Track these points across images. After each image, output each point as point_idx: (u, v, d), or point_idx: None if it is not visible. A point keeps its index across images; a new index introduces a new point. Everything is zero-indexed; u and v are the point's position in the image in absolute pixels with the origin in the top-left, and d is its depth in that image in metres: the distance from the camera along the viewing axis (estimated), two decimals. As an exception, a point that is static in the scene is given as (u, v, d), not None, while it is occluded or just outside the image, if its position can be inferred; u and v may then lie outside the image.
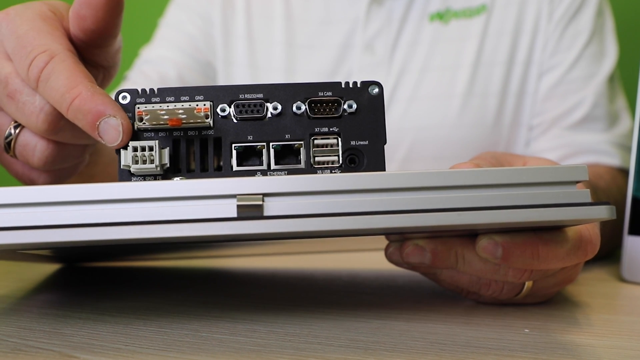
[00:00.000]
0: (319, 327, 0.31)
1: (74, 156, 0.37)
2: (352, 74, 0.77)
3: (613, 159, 0.71)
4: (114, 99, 0.31)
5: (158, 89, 0.31)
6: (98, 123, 0.30)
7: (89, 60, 0.37)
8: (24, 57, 0.32)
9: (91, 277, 0.48)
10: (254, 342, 0.28)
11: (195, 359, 0.26)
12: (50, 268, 0.52)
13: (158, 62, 0.79)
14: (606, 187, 0.63)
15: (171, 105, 0.31)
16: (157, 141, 0.30)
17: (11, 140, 0.35)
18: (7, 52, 0.34)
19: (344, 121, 0.31)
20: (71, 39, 0.35)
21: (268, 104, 0.31)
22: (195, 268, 0.54)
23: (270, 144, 0.31)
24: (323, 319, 0.32)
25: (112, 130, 0.30)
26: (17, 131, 0.35)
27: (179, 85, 0.78)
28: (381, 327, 0.31)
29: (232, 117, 0.31)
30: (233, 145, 0.31)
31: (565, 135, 0.73)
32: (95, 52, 0.36)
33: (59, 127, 0.34)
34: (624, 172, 0.71)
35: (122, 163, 0.30)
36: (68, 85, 0.31)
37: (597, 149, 0.71)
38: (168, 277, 0.49)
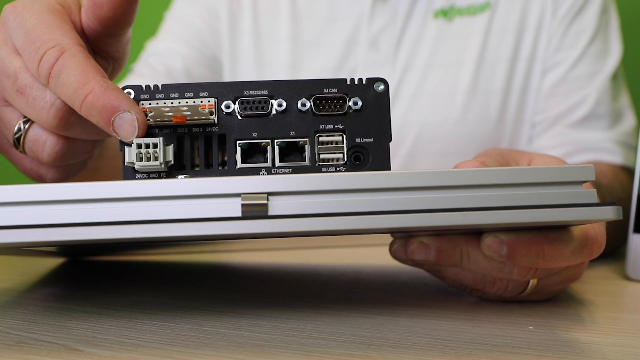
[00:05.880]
0: (323, 322, 0.31)
1: (83, 152, 0.37)
2: (356, 70, 0.77)
3: (615, 157, 0.70)
4: None
5: (162, 86, 0.31)
6: (113, 119, 0.30)
7: (100, 52, 0.36)
8: (33, 52, 0.32)
9: (95, 271, 0.48)
10: (258, 336, 0.28)
11: (199, 353, 0.26)
12: (54, 262, 0.52)
13: (164, 54, 0.79)
14: (609, 184, 0.63)
15: (175, 102, 0.31)
16: (161, 138, 0.30)
17: (20, 135, 0.35)
18: (16, 46, 0.33)
19: (349, 118, 0.31)
20: (83, 31, 0.35)
21: (273, 101, 0.31)
22: (199, 263, 0.54)
23: (275, 141, 0.31)
24: (327, 315, 0.32)
25: (127, 125, 0.30)
26: (26, 126, 0.35)
27: (186, 78, 0.78)
28: (385, 323, 0.31)
29: (237, 114, 0.31)
30: (237, 142, 0.31)
31: (568, 132, 0.73)
32: (109, 42, 0.36)
33: (70, 122, 0.33)
34: (626, 170, 0.71)
35: (126, 160, 0.30)
36: (80, 81, 0.31)
37: (599, 147, 0.71)
38: (172, 272, 0.49)
